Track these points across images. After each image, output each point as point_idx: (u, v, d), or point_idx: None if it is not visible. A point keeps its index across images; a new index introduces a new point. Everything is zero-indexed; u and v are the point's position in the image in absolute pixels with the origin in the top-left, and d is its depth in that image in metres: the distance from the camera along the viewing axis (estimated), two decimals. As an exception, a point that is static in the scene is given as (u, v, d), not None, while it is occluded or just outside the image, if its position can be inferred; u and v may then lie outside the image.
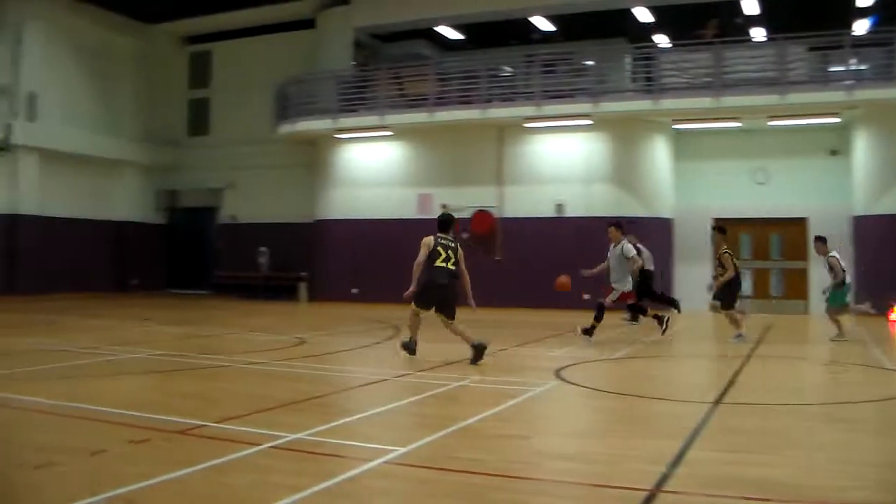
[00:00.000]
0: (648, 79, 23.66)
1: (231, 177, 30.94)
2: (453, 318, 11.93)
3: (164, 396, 8.78)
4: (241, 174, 30.66)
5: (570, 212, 23.97)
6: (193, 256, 32.32)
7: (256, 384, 9.78)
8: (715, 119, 22.99)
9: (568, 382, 9.92)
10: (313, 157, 28.28)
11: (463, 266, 12.06)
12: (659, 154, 24.76)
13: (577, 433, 7.47)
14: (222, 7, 28.90)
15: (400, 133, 26.19)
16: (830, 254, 15.26)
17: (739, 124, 23.16)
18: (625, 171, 24.23)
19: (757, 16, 24.76)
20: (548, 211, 24.46)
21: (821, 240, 15.56)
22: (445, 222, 12.48)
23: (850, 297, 15.94)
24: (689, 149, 24.87)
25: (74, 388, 9.19)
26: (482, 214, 25.06)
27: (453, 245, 12.04)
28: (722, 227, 16.13)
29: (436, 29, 27.91)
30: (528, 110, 23.87)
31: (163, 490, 5.08)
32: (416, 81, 26.58)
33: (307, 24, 29.21)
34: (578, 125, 24.02)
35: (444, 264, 11.82)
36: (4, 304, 23.18)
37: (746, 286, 22.90)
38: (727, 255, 14.94)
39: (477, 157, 25.45)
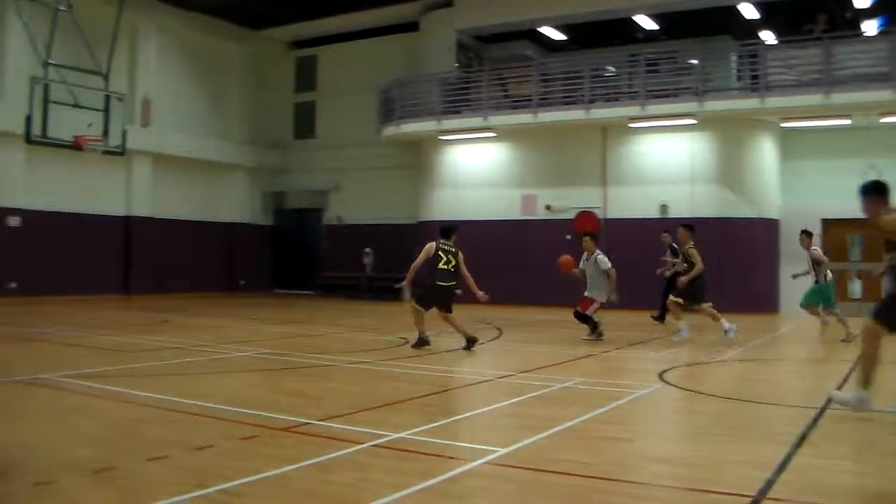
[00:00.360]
0: (754, 77, 23.15)
1: (336, 179, 31.43)
2: (451, 311, 13.35)
3: (271, 394, 8.97)
4: (346, 176, 31.10)
5: (674, 212, 23.53)
6: (299, 257, 32.87)
7: (360, 383, 9.91)
8: (824, 117, 22.36)
9: (671, 385, 9.81)
10: (417, 159, 28.51)
11: (463, 268, 13.37)
12: (765, 153, 24.24)
13: (681, 437, 7.39)
14: (328, 12, 29.33)
15: (503, 134, 26.20)
16: (813, 248, 15.94)
17: (849, 122, 22.48)
18: (730, 170, 23.80)
19: (867, 9, 23.99)
20: (652, 211, 24.16)
21: (807, 234, 16.19)
22: (447, 230, 13.79)
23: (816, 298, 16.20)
24: (797, 147, 24.27)
25: (186, 384, 9.51)
26: (586, 215, 24.90)
27: (453, 250, 13.34)
28: (690, 225, 15.89)
29: (538, 30, 27.80)
30: (632, 110, 23.66)
31: (267, 485, 5.21)
32: (520, 82, 26.56)
33: (410, 26, 29.46)
34: (683, 125, 23.67)
35: (445, 266, 13.14)
36: (120, 304, 24.02)
37: (856, 288, 22.30)
38: (692, 250, 14.94)
39: (580, 157, 25.31)
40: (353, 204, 31.05)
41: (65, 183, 25.59)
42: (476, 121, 25.89)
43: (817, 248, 16.09)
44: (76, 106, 18.97)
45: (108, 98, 19.61)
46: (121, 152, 20.36)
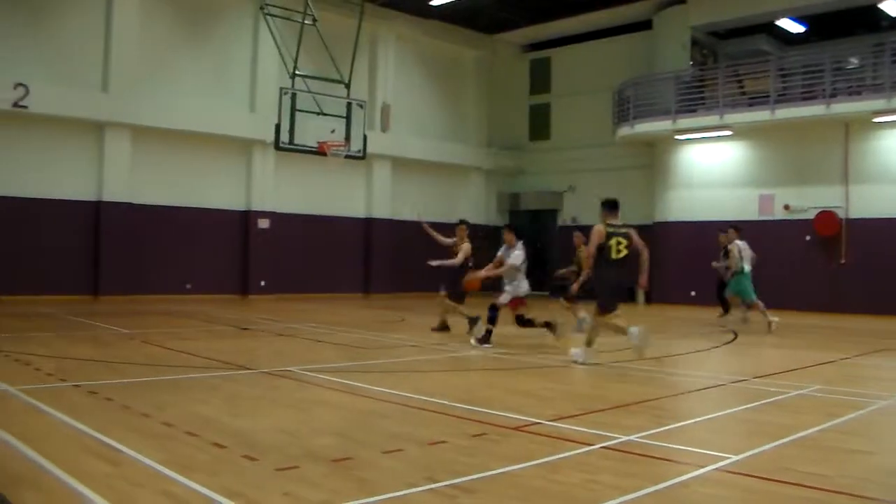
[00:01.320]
0: None
1: (571, 180, 31.49)
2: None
3: (503, 393, 9.13)
4: (580, 177, 31.10)
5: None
6: (534, 258, 33.04)
7: (590, 384, 9.95)
8: None
9: (921, 396, 9.28)
10: (651, 159, 28.18)
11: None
12: None
13: (929, 451, 7.00)
14: (561, 14, 29.41)
15: (740, 132, 25.44)
16: (734, 242, 17.27)
17: None
18: None
19: None
20: (899, 211, 22.84)
21: (736, 228, 17.90)
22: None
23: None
24: None
25: (421, 381, 9.87)
26: (826, 215, 23.79)
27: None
28: (581, 228, 15.81)
29: (776, 23, 26.83)
30: (878, 104, 22.29)
31: (497, 482, 5.30)
32: (756, 78, 25.75)
33: (643, 25, 29.11)
34: (934, 118, 22.13)
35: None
36: (359, 302, 25.05)
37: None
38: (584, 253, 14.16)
39: (821, 155, 24.16)
40: (586, 205, 30.94)
41: (309, 187, 27.01)
42: (711, 119, 25.29)
43: (738, 245, 17.34)
44: (320, 113, 19.91)
45: (349, 105, 20.47)
46: (362, 157, 21.20)
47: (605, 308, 11.67)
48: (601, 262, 11.47)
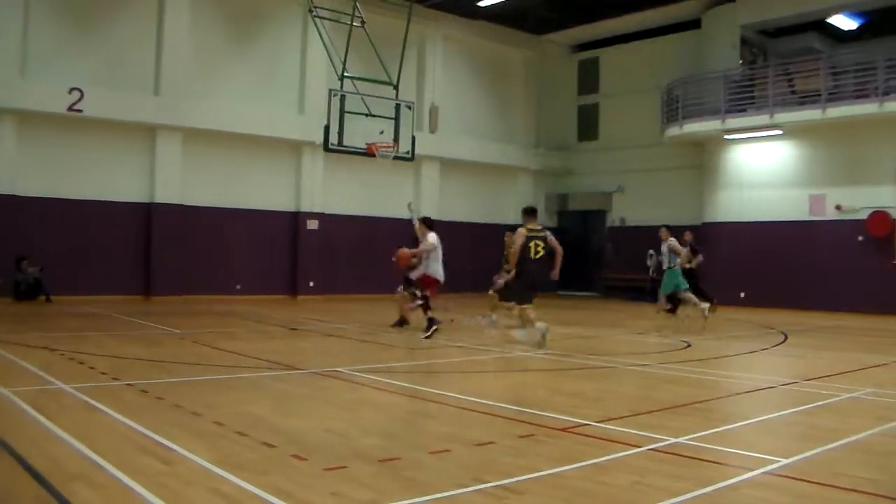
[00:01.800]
0: None
1: (620, 180, 31.37)
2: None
3: (550, 394, 9.13)
4: (629, 177, 30.97)
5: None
6: (582, 258, 33.00)
7: (639, 386, 9.90)
8: None
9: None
10: (701, 159, 27.96)
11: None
12: None
13: None
14: (609, 14, 29.29)
15: (790, 132, 25.13)
16: (669, 241, 17.44)
17: None
18: None
19: None
20: (955, 211, 22.39)
21: (668, 227, 17.88)
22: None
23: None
24: None
25: (468, 382, 9.90)
26: (880, 215, 23.43)
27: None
28: (513, 228, 15.87)
29: (827, 20, 26.50)
30: (932, 101, 21.96)
31: (544, 483, 5.31)
32: (807, 77, 25.44)
33: (692, 24, 28.91)
34: None
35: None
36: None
37: None
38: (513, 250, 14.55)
39: (873, 154, 23.72)
40: (635, 205, 30.86)
41: (358, 188, 27.15)
42: (762, 119, 25.01)
43: (675, 242, 17.57)
44: (369, 115, 19.97)
45: (398, 107, 20.48)
46: (410, 158, 21.23)
47: (522, 299, 13.40)
48: (522, 261, 13.13)
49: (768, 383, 10.26)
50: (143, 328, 15.25)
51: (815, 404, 8.57)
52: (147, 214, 23.28)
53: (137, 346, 12.40)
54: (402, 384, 9.24)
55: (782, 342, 15.28)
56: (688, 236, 19.45)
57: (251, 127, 24.77)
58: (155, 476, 5.20)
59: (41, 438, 6.25)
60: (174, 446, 5.96)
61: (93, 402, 7.59)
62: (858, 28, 27.05)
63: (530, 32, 31.92)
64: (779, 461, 5.94)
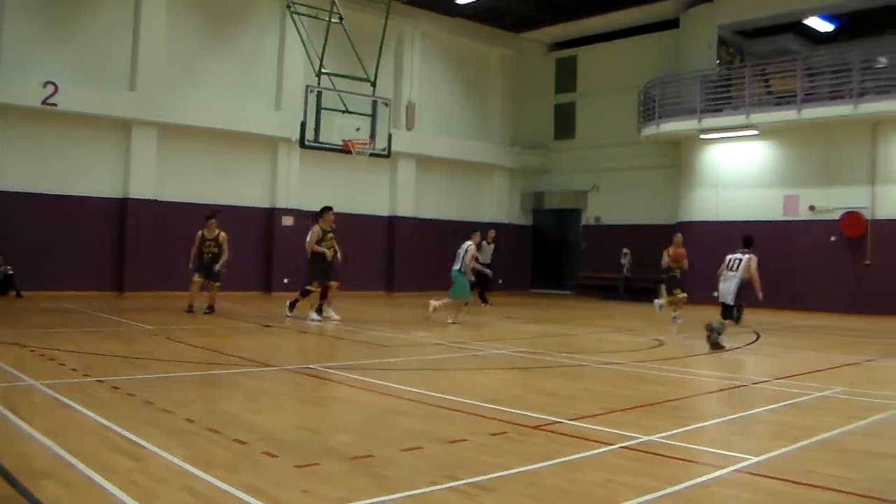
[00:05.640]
0: None
1: (595, 179, 31.42)
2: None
3: (523, 392, 9.15)
4: (605, 176, 31.04)
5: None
6: (557, 257, 33.09)
7: (612, 384, 9.93)
8: None
9: (946, 398, 9.20)
10: (677, 159, 28.06)
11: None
12: None
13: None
14: (587, 12, 29.35)
15: (766, 132, 25.26)
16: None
17: None
18: None
19: None
20: (927, 213, 22.56)
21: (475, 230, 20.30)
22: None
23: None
24: None
25: (441, 379, 9.92)
26: (852, 216, 23.59)
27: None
28: (209, 214, 19.07)
29: (804, 21, 26.66)
30: (906, 104, 22.11)
31: (517, 481, 5.31)
32: (783, 77, 25.59)
33: (670, 24, 29.01)
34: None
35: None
36: (383, 301, 25.08)
37: None
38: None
39: (847, 155, 23.87)
40: (610, 204, 30.93)
41: (334, 185, 27.03)
42: (738, 119, 25.13)
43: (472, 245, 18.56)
44: (346, 112, 19.93)
45: (375, 103, 20.46)
46: (386, 155, 21.21)
47: (315, 282, 16.95)
48: (316, 254, 16.83)
49: (740, 382, 10.35)
50: (115, 324, 15.15)
51: (787, 403, 8.63)
52: (121, 210, 23.11)
53: (110, 342, 12.30)
54: (375, 381, 9.21)
55: (755, 341, 15.38)
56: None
57: (227, 123, 24.65)
58: (126, 473, 5.16)
59: (10, 436, 6.19)
60: (145, 443, 5.92)
61: (63, 398, 7.53)
62: (834, 30, 27.24)
63: (508, 30, 31.93)
64: (750, 459, 5.98)
